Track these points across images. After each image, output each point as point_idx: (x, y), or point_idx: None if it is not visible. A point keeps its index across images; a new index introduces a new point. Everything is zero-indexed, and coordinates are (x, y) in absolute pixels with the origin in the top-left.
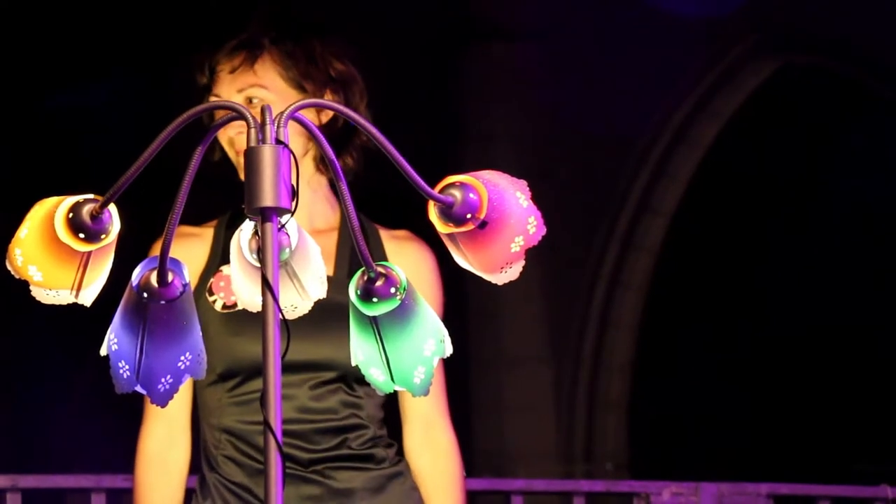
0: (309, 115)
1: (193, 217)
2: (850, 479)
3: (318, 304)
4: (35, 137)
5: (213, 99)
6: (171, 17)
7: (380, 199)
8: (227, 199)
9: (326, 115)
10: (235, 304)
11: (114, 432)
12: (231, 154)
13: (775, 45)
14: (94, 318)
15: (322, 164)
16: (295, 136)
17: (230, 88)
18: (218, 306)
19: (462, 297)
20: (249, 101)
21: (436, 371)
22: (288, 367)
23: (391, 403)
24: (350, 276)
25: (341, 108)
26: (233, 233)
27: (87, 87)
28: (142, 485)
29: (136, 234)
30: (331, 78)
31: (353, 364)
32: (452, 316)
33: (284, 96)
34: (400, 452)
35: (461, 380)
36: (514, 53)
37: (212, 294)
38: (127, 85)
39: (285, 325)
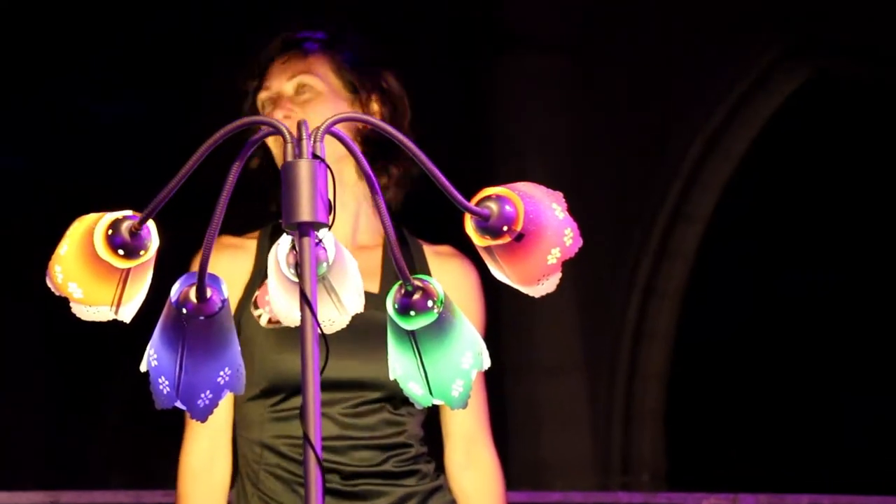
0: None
1: (237, 227)
2: (892, 491)
3: (364, 322)
4: (69, 150)
5: (263, 94)
6: (199, 32)
7: (421, 213)
8: (265, 208)
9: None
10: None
11: (152, 448)
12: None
13: (808, 53)
14: (132, 334)
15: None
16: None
17: (281, 77)
18: (263, 321)
19: (496, 307)
20: (299, 89)
21: (477, 388)
22: (333, 385)
23: (431, 420)
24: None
25: (376, 121)
26: None
27: (119, 101)
28: (185, 499)
29: (174, 249)
30: (381, 88)
31: (392, 378)
32: (487, 326)
33: (334, 89)
34: (439, 468)
35: (496, 391)
36: (546, 65)
37: (257, 308)
38: (158, 99)
39: (324, 339)
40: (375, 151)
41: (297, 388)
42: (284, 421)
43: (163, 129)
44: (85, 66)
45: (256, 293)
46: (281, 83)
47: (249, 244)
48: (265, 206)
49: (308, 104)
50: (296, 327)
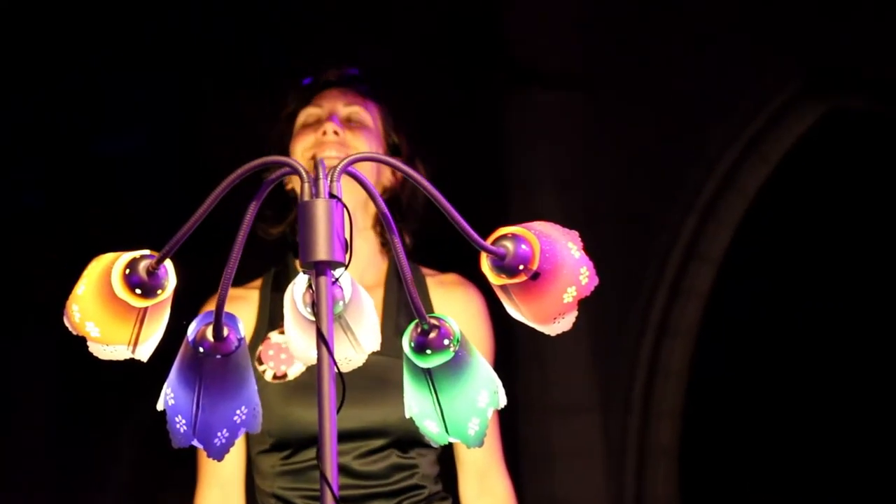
0: (387, 174)
1: (236, 277)
2: None
3: (361, 369)
4: (79, 181)
5: (312, 110)
6: (207, 62)
7: (427, 240)
8: (267, 257)
9: (397, 178)
10: (285, 375)
11: (167, 483)
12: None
13: (824, 89)
14: (148, 372)
15: (378, 222)
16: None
17: (337, 101)
18: (268, 377)
19: (510, 344)
20: (353, 116)
21: (491, 420)
22: (340, 436)
23: (446, 453)
24: (397, 334)
25: (395, 162)
26: (279, 294)
27: (126, 132)
28: None
29: (191, 288)
30: (413, 162)
31: (408, 416)
32: (500, 363)
33: (380, 136)
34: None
35: (510, 427)
36: (558, 101)
37: (261, 363)
38: (163, 131)
39: (340, 378)
40: (393, 213)
41: (307, 441)
42: (295, 474)
43: (165, 160)
44: (89, 95)
45: (260, 349)
46: (336, 105)
47: (251, 294)
48: (266, 253)
49: (358, 131)
50: (301, 380)
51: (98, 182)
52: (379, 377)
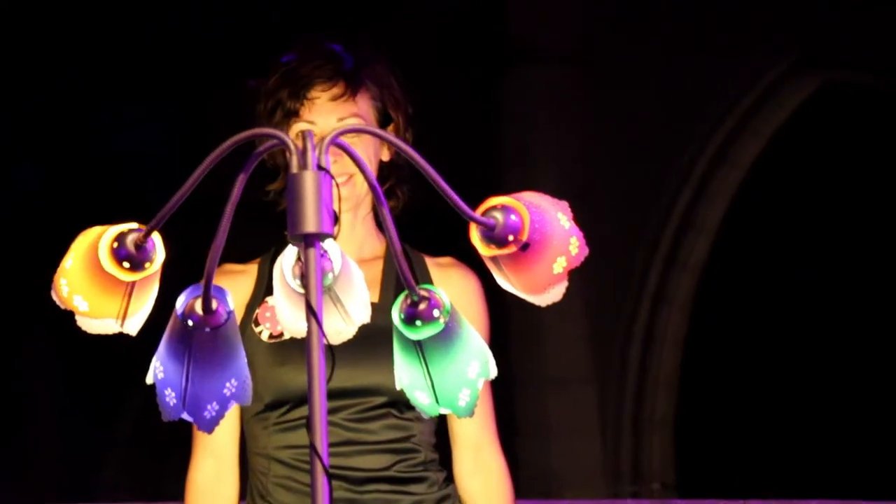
0: (384, 149)
1: (240, 258)
2: None
3: (364, 331)
4: (77, 166)
5: (301, 125)
6: (210, 49)
7: (424, 225)
8: (269, 237)
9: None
10: (282, 334)
11: (162, 462)
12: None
13: (817, 63)
14: (140, 346)
15: (385, 194)
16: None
17: (329, 117)
18: (264, 336)
19: (504, 318)
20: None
21: (484, 394)
22: (335, 394)
23: (441, 429)
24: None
25: (381, 132)
26: None
27: (128, 116)
28: None
29: (180, 261)
30: (406, 112)
31: (398, 388)
32: (495, 337)
33: (372, 124)
34: (449, 478)
35: (505, 401)
36: (555, 76)
37: (258, 325)
38: (168, 113)
39: (330, 350)
40: (389, 173)
41: (301, 399)
42: (290, 431)
43: (169, 142)
44: (91, 78)
45: (257, 311)
46: (329, 122)
47: (251, 269)
48: (269, 235)
49: (353, 144)
50: (297, 340)
51: (99, 177)
52: (378, 339)
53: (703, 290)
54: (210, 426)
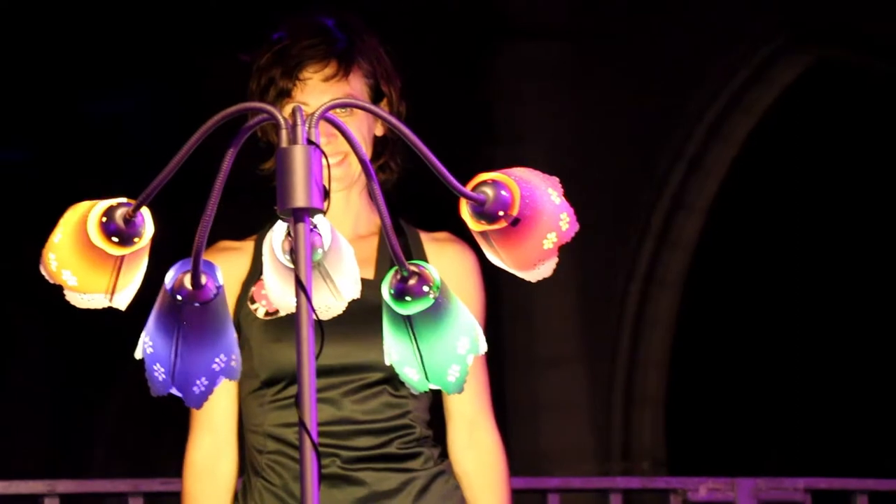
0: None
1: (235, 234)
2: (889, 475)
3: (360, 307)
4: (70, 142)
5: (293, 106)
6: (201, 24)
7: (419, 204)
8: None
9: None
10: (277, 311)
11: (154, 437)
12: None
13: (809, 41)
14: (132, 322)
15: (378, 170)
16: (361, 142)
17: (322, 97)
18: (260, 314)
19: (497, 296)
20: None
21: (479, 371)
22: (331, 371)
23: (436, 405)
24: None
25: (370, 106)
26: None
27: (121, 92)
28: (190, 496)
29: (171, 237)
30: (389, 76)
31: (387, 363)
32: (487, 315)
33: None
34: (444, 454)
35: (497, 379)
36: (546, 52)
37: (253, 302)
38: (160, 90)
39: (319, 325)
40: (383, 148)
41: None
42: (285, 409)
43: (164, 118)
44: (85, 54)
45: (252, 289)
46: (322, 103)
47: (247, 246)
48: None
49: (345, 123)
50: (293, 317)
51: (91, 144)
52: (374, 316)
53: (694, 269)
54: (199, 402)
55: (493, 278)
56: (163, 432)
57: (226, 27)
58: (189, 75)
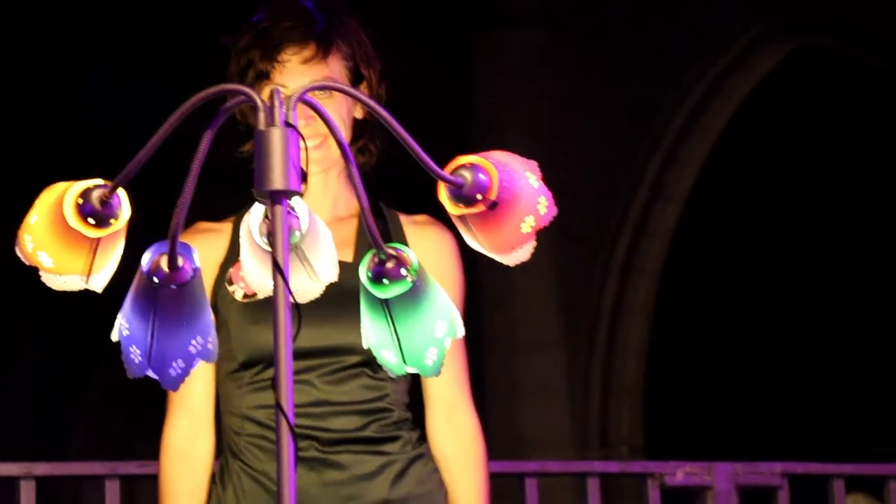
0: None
1: (213, 216)
2: (865, 459)
3: (338, 290)
4: (70, 142)
5: (270, 88)
6: (201, 24)
7: (398, 188)
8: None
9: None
10: (255, 294)
11: (128, 420)
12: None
13: (788, 28)
14: (110, 304)
15: (358, 152)
16: (340, 125)
17: (300, 80)
18: (238, 296)
19: (476, 282)
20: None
21: (458, 354)
22: (311, 353)
23: (415, 389)
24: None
25: (348, 89)
26: None
27: (122, 91)
28: (167, 477)
29: (148, 219)
30: (368, 59)
31: (365, 346)
32: (467, 299)
33: (344, 84)
34: (422, 437)
35: (476, 364)
36: (527, 40)
37: (231, 284)
38: (160, 90)
39: (296, 308)
40: (362, 131)
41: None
42: (263, 391)
43: (155, 107)
44: (78, 43)
45: (230, 270)
46: (301, 85)
47: (225, 227)
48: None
49: (324, 105)
50: (271, 299)
51: (91, 144)
52: (353, 299)
53: (672, 258)
54: (175, 384)
55: (472, 263)
56: (142, 416)
57: (226, 27)
58: (189, 75)
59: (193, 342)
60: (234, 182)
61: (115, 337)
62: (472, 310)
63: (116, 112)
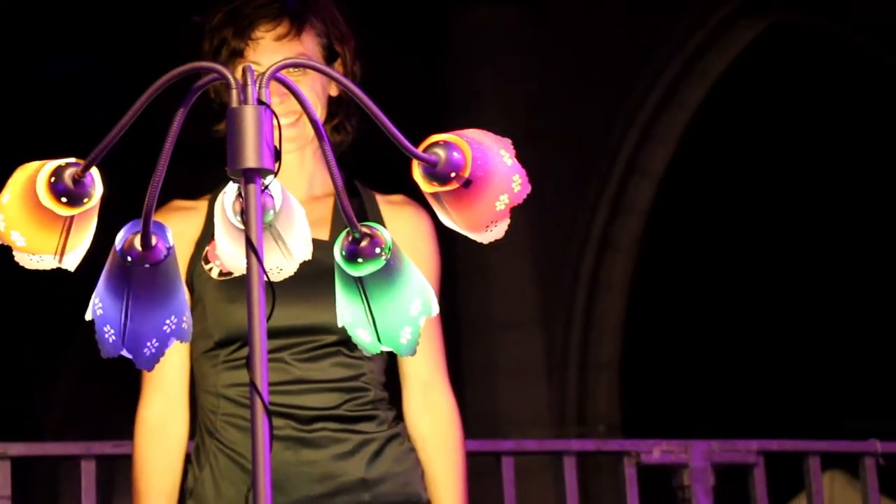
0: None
1: (191, 194)
2: (840, 436)
3: (315, 269)
4: (29, 106)
5: (244, 66)
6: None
7: (374, 166)
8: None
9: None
10: (231, 272)
11: (104, 400)
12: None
13: (763, 5)
14: (84, 284)
15: (333, 130)
16: (315, 102)
17: (274, 57)
18: (214, 274)
19: (452, 260)
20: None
21: (434, 333)
22: (287, 332)
23: (392, 369)
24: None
25: (321, 66)
26: None
27: (80, 56)
28: (141, 456)
29: (121, 198)
30: (343, 36)
31: (340, 325)
32: (443, 278)
33: (318, 61)
34: (399, 417)
35: (452, 343)
36: (502, 17)
37: (207, 262)
38: (124, 54)
39: (270, 287)
40: (337, 108)
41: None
42: (239, 369)
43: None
44: (46, 19)
45: (207, 249)
46: (274, 60)
47: (200, 205)
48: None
49: (298, 83)
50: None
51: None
52: (329, 278)
53: (649, 234)
54: (150, 363)
55: (447, 241)
56: (118, 396)
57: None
58: (145, 33)
59: (168, 322)
60: (215, 158)
61: (88, 316)
62: (448, 289)
63: (115, 113)
